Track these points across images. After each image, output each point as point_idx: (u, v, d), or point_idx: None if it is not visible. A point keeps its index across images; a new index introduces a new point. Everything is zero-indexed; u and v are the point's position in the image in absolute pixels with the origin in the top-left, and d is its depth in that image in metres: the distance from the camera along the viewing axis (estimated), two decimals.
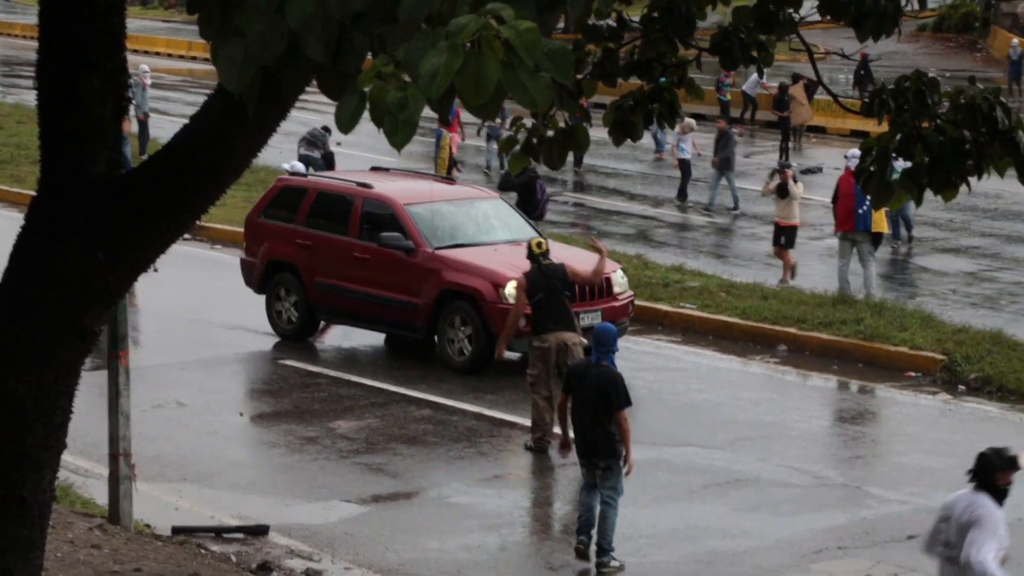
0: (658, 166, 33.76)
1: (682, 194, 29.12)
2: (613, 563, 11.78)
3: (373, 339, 18.92)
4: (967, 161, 7.59)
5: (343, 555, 11.90)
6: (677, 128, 28.91)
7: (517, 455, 14.57)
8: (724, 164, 27.94)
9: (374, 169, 21.14)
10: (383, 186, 18.77)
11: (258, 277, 19.06)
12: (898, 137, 7.68)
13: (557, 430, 14.69)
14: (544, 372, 14.56)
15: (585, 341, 15.05)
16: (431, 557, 11.91)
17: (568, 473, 14.09)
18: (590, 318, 16.89)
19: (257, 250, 19.09)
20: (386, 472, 14.01)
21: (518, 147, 7.98)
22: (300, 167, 22.11)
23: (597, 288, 17.09)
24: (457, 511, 13.07)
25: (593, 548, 11.86)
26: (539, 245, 15.12)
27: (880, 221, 20.72)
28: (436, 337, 17.46)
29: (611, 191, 30.76)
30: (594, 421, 11.81)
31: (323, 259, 18.44)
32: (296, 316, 18.67)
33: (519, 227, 18.52)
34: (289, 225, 18.78)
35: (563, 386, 12.36)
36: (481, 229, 18.13)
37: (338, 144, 27.60)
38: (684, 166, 29.18)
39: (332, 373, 17.42)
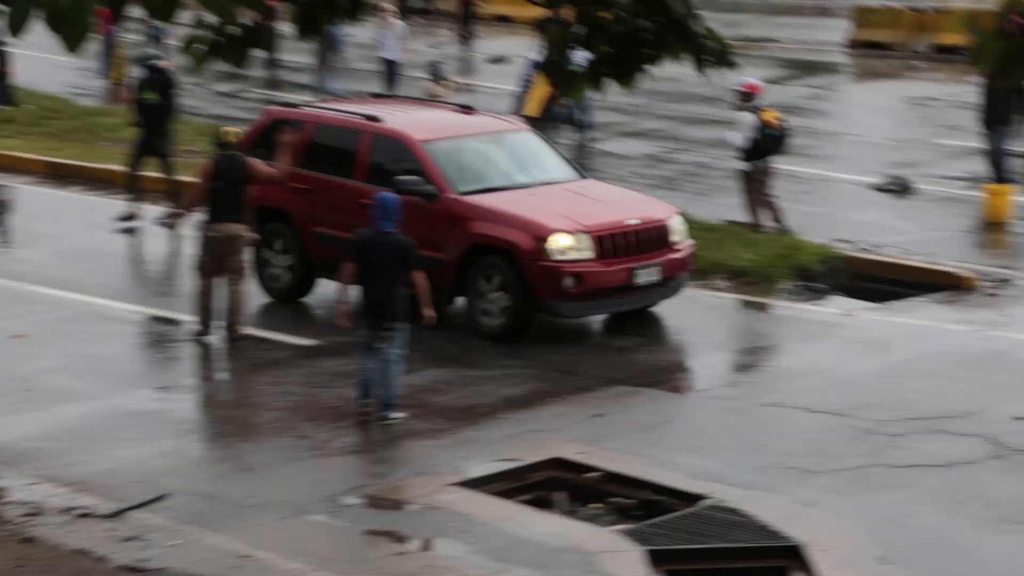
0: (355, 60, 33.19)
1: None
2: (398, 415, 12.33)
3: (51, 248, 18.23)
4: (646, 50, 7.70)
5: (27, 471, 11.46)
6: (379, 24, 28.61)
7: (209, 359, 14.29)
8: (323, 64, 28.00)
9: (375, 96, 18.78)
10: (395, 119, 15.73)
11: None
12: (577, 28, 7.72)
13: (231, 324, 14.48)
14: (208, 260, 14.51)
15: (254, 235, 14.85)
16: (120, 467, 11.58)
17: (262, 372, 13.90)
18: (646, 275, 14.70)
19: None
20: (71, 383, 13.54)
21: (203, 46, 7.71)
22: None
23: (653, 238, 14.81)
24: (147, 419, 12.74)
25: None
26: (227, 134, 14.81)
27: (532, 105, 21.62)
28: (467, 300, 14.77)
29: (304, 87, 30.17)
30: (389, 285, 12.15)
31: (323, 207, 15.44)
32: (289, 275, 15.88)
33: (557, 166, 15.98)
34: None
35: (351, 256, 12.37)
36: (514, 169, 15.47)
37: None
38: (387, 64, 28.79)
39: (3, 281, 16.70)
